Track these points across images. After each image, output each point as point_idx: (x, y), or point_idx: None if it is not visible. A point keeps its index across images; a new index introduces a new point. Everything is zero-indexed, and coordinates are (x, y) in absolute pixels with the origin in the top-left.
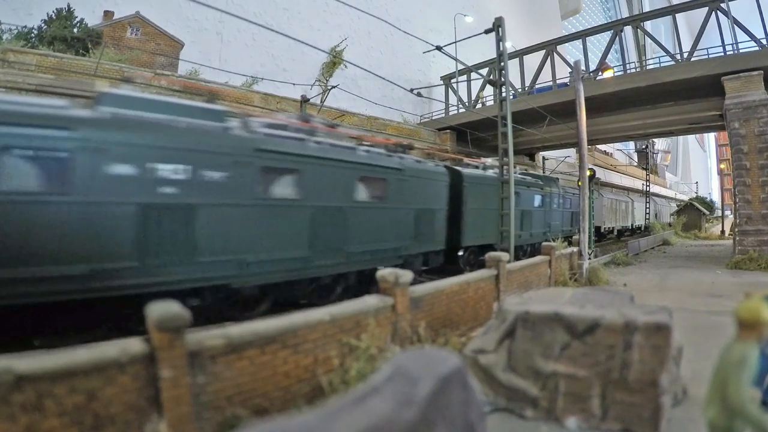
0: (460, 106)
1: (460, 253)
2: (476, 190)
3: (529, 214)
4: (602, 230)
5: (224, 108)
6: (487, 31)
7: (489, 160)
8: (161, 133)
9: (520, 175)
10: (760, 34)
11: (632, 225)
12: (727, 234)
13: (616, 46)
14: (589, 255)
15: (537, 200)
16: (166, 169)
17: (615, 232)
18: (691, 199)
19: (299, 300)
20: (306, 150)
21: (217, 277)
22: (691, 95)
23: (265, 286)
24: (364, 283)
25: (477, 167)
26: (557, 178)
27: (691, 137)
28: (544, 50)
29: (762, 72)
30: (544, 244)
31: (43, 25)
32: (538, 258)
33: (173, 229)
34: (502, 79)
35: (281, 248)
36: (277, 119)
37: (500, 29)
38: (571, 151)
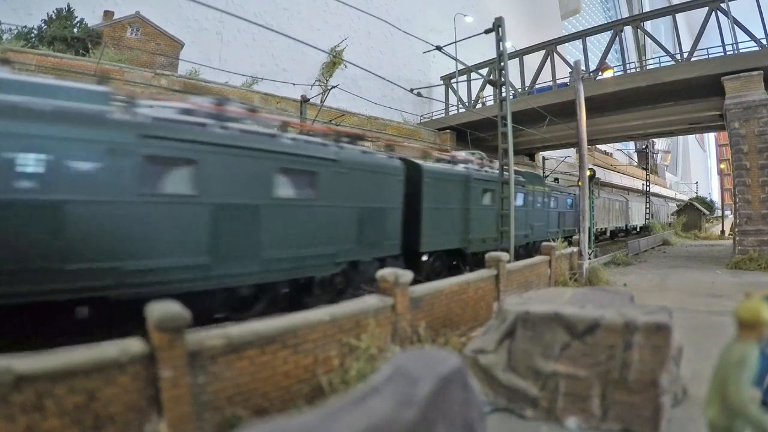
0: (460, 106)
1: (424, 258)
2: (440, 187)
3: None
4: (598, 229)
5: (107, 89)
6: (487, 31)
7: (463, 154)
8: (12, 118)
9: (497, 171)
10: (760, 34)
11: (627, 225)
12: (727, 234)
13: (616, 46)
14: (589, 255)
15: (517, 199)
16: (19, 160)
17: (608, 233)
18: (691, 199)
19: (211, 315)
20: (207, 136)
21: (88, 288)
22: (691, 95)
23: (157, 298)
24: (300, 293)
25: (449, 161)
26: (541, 175)
27: (691, 137)
28: (544, 50)
29: (762, 72)
30: (543, 244)
31: (43, 25)
32: (538, 258)
33: (31, 230)
34: (502, 79)
35: (172, 254)
36: (180, 102)
37: (500, 29)
38: (571, 151)
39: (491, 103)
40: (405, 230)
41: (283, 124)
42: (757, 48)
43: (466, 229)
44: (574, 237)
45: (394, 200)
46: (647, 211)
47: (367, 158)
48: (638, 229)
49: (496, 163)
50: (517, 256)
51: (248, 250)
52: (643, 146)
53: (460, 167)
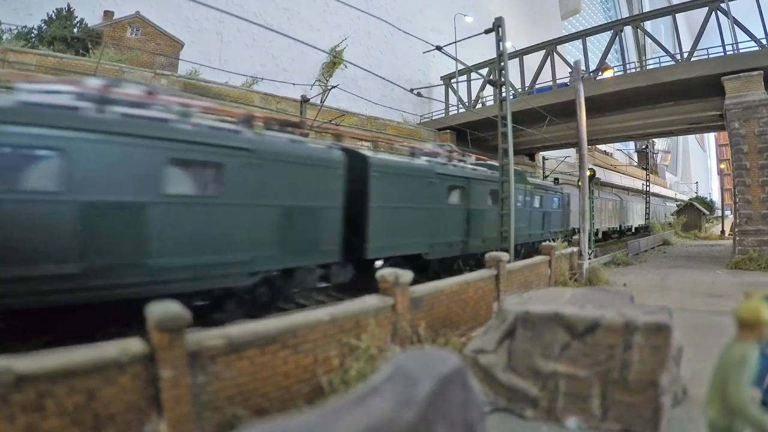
0: (460, 106)
1: (379, 263)
2: (393, 183)
3: (479, 215)
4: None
5: None
6: (487, 31)
7: (429, 146)
8: None
9: (470, 166)
10: (760, 34)
11: (621, 226)
12: (727, 234)
13: (616, 46)
14: (589, 255)
15: (490, 198)
16: None
17: (600, 234)
18: (691, 199)
19: (98, 330)
20: (74, 121)
21: None
22: (691, 95)
23: (14, 311)
24: (213, 307)
25: (413, 153)
26: (522, 171)
27: (691, 137)
28: (544, 50)
29: (762, 72)
30: (544, 244)
31: (43, 25)
32: (538, 258)
33: None
34: (502, 79)
35: (28, 261)
36: (64, 85)
37: (500, 29)
38: (571, 151)
39: (491, 103)
40: (350, 233)
41: (187, 106)
42: (757, 48)
43: (427, 231)
44: (573, 237)
45: (332, 198)
46: (648, 211)
47: (295, 148)
48: (633, 230)
49: (471, 158)
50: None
51: (131, 258)
52: (643, 146)
53: (422, 160)
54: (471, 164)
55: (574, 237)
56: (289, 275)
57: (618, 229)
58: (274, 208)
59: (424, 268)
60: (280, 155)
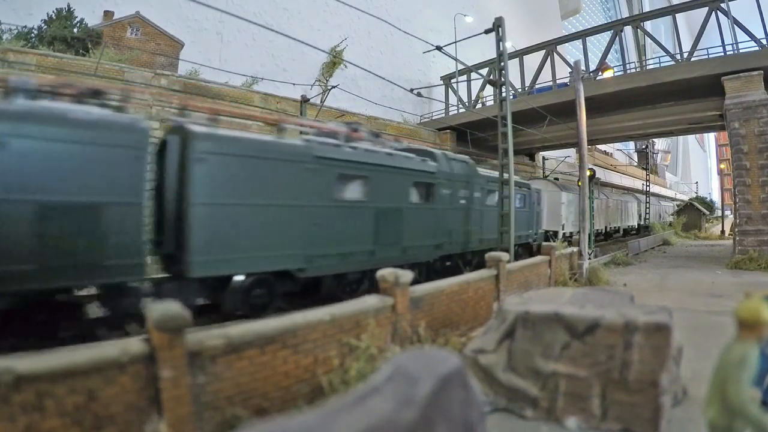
0: (460, 106)
1: (240, 278)
2: (235, 169)
3: (395, 215)
4: (565, 235)
5: None
6: (487, 31)
7: (332, 125)
8: None
9: (386, 150)
10: (760, 34)
11: (607, 227)
12: (727, 234)
13: (616, 46)
14: (589, 255)
15: (415, 193)
16: None
17: None
18: (691, 199)
19: None
20: None
21: None
22: (691, 95)
23: None
24: None
25: (281, 129)
26: (469, 161)
27: (691, 137)
28: (544, 50)
29: (762, 72)
30: (543, 243)
31: (43, 25)
32: (538, 258)
33: None
34: (502, 79)
35: None
36: None
37: (500, 29)
38: (571, 151)
39: (491, 103)
40: (178, 241)
41: None
42: (757, 48)
43: (303, 239)
44: (574, 237)
45: (128, 191)
46: (647, 211)
47: (64, 120)
48: (621, 232)
49: (406, 143)
50: (430, 275)
51: None
52: (643, 146)
53: (297, 140)
54: (390, 149)
55: (573, 240)
56: (106, 296)
57: (604, 231)
58: (24, 204)
59: (316, 286)
60: (35, 131)
